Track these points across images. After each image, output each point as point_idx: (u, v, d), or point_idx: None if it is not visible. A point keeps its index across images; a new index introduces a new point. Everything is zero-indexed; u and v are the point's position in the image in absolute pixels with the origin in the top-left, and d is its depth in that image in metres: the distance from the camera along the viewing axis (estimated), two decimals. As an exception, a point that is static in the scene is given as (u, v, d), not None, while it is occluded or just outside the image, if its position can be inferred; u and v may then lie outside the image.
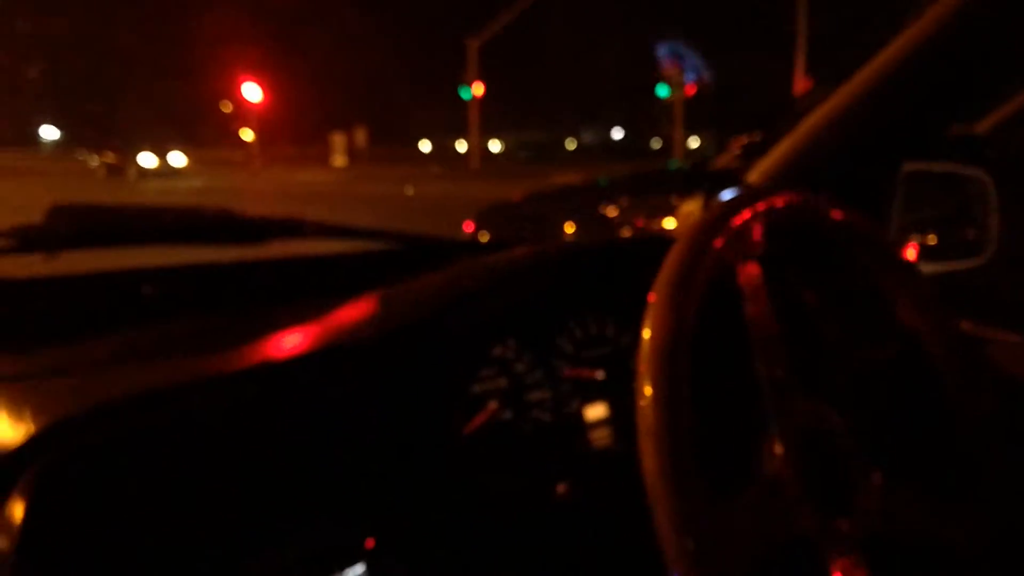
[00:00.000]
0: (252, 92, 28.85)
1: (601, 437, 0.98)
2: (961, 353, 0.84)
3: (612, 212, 3.52)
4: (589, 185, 4.08)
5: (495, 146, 43.53)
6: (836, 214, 0.85)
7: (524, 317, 0.98)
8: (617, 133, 46.32)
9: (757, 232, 0.79)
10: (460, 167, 29.72)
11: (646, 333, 0.69)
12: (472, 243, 1.36)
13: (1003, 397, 0.85)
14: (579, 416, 0.98)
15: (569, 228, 3.50)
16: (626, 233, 3.10)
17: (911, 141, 1.11)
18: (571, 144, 48.65)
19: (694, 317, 0.69)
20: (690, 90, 27.35)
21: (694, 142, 35.31)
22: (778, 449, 0.71)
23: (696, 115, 31.33)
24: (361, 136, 33.41)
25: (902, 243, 1.20)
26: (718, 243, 0.74)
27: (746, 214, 0.77)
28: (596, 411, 1.00)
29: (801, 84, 19.74)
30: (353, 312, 0.98)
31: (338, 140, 31.33)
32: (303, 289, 1.16)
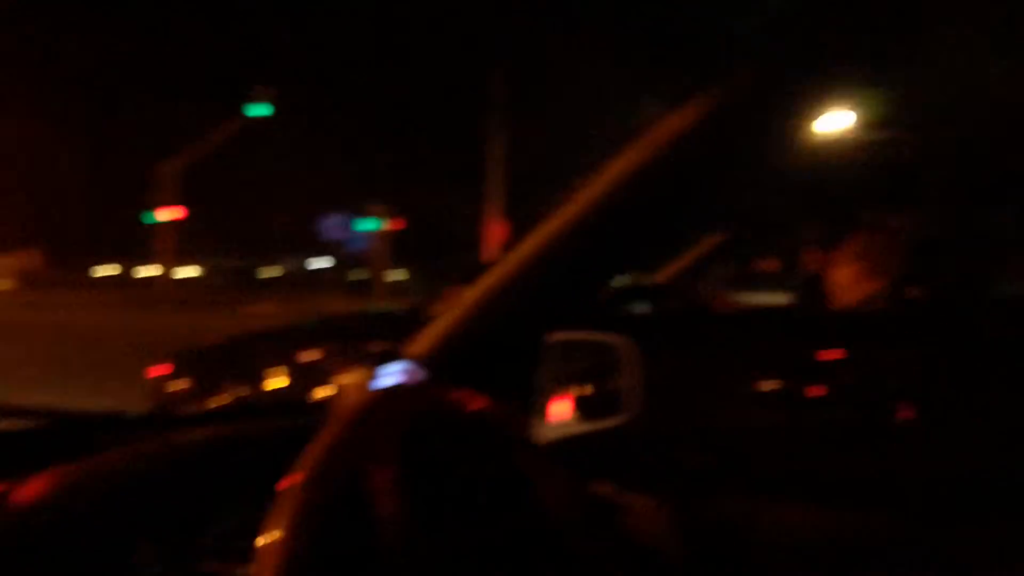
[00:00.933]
0: None
1: None
2: (594, 523, 0.95)
3: (317, 358, 3.45)
4: (293, 328, 3.99)
5: (187, 272, 41.42)
6: (475, 405, 0.92)
7: (160, 515, 0.92)
8: (317, 263, 46.12)
9: (395, 432, 0.82)
10: (149, 293, 27.85)
11: (266, 535, 0.67)
12: (115, 419, 1.27)
13: (637, 561, 0.95)
14: None
15: (272, 378, 3.37)
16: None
17: (556, 313, 1.24)
18: (269, 272, 47.55)
19: (321, 518, 0.69)
20: (396, 225, 28.18)
21: (400, 275, 36.07)
22: None
23: (398, 249, 32.22)
24: (35, 258, 30.35)
25: (556, 395, 1.32)
26: (355, 442, 0.76)
27: (389, 411, 0.82)
28: None
29: (495, 229, 20.83)
30: None
31: (4, 263, 28.18)
32: None
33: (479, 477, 1.06)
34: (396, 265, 34.85)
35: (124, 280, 39.27)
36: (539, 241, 1.13)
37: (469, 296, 1.18)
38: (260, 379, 3.34)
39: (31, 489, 0.89)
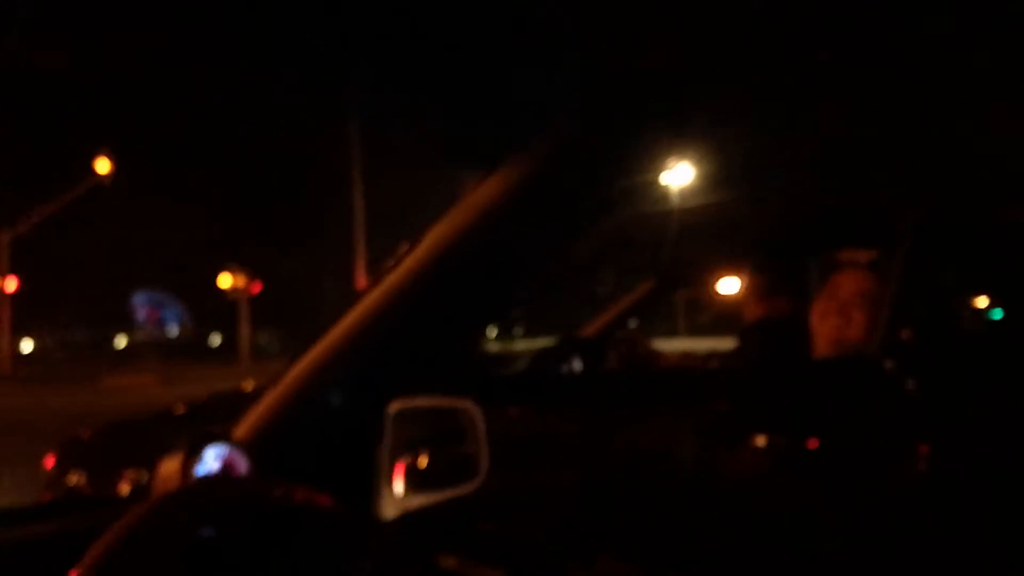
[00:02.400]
0: None
1: None
2: None
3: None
4: (172, 414, 3.70)
5: (28, 345, 38.80)
6: (295, 496, 0.87)
7: None
8: (173, 331, 44.18)
9: (185, 531, 0.77)
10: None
11: None
12: None
13: None
14: None
15: (133, 479, 3.11)
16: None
17: (395, 381, 1.19)
18: (122, 341, 45.18)
19: None
20: (255, 288, 27.40)
21: (263, 338, 35.01)
22: None
23: (260, 312, 31.28)
24: None
25: (391, 469, 1.26)
26: (136, 539, 0.71)
27: (186, 506, 0.75)
28: None
29: (362, 279, 20.74)
30: None
31: None
32: None
33: (305, 570, 0.99)
34: (258, 328, 33.83)
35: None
36: (368, 308, 1.09)
37: (296, 369, 1.12)
38: (150, 464, 3.06)
39: None
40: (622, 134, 0.98)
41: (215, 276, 27.20)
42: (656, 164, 1.19)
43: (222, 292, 26.92)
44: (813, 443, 1.80)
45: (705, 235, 3.04)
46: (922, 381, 1.91)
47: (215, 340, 39.18)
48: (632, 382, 2.63)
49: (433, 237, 1.01)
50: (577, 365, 3.34)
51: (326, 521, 0.88)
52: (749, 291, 2.93)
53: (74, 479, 3.19)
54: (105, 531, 0.69)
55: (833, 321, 2.26)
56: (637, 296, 3.83)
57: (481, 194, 0.98)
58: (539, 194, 1.00)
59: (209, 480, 0.86)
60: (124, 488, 2.99)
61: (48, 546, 0.97)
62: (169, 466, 1.12)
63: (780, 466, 1.79)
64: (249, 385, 4.58)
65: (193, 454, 1.09)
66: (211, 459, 1.08)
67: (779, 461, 1.80)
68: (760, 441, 1.84)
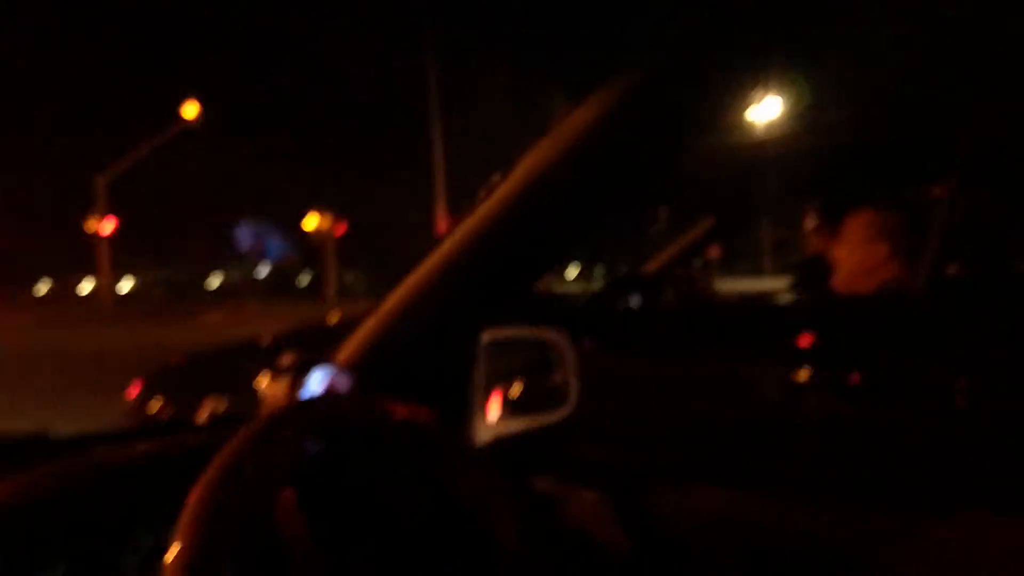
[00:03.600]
0: None
1: None
2: (527, 522, 0.94)
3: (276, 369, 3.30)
4: (254, 341, 3.84)
5: (127, 285, 40.61)
6: (403, 413, 0.91)
7: (80, 537, 0.90)
8: (263, 270, 45.56)
9: (305, 442, 0.80)
10: (89, 309, 27.20)
11: (172, 548, 0.66)
12: (37, 441, 1.24)
13: (575, 555, 0.94)
14: None
15: (239, 391, 3.26)
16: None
17: (487, 310, 1.23)
18: (214, 281, 46.88)
19: (231, 533, 0.68)
20: (340, 229, 27.98)
21: (348, 277, 35.82)
22: None
23: (346, 251, 31.97)
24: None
25: (485, 397, 1.30)
26: (259, 453, 0.74)
27: (303, 421, 0.80)
28: None
29: (443, 221, 20.93)
30: None
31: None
32: None
33: (406, 486, 1.05)
34: (344, 268, 34.58)
35: (65, 296, 38.33)
36: (463, 238, 1.12)
37: (394, 298, 1.16)
38: (232, 392, 3.23)
39: None
40: (710, 65, 0.98)
41: (302, 217, 27.84)
42: (744, 97, 1.18)
43: (309, 233, 27.56)
44: (856, 377, 1.81)
45: (768, 170, 2.98)
46: (966, 316, 1.90)
47: (303, 280, 40.23)
48: (686, 319, 2.61)
49: (526, 167, 1.03)
50: (635, 302, 3.34)
51: (428, 438, 0.92)
52: (808, 226, 2.90)
53: (156, 406, 3.38)
54: (198, 451, 0.72)
55: (866, 257, 2.27)
56: (697, 234, 3.76)
57: (573, 124, 0.99)
58: (626, 125, 1.00)
59: (315, 399, 0.91)
60: (203, 416, 3.13)
61: (141, 466, 1.04)
62: (276, 387, 1.18)
63: (827, 398, 1.81)
64: (333, 318, 4.73)
65: (299, 376, 1.16)
66: (316, 381, 1.14)
67: (825, 393, 1.82)
68: (805, 375, 1.85)
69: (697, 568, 1.19)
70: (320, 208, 27.32)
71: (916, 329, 1.88)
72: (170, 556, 0.66)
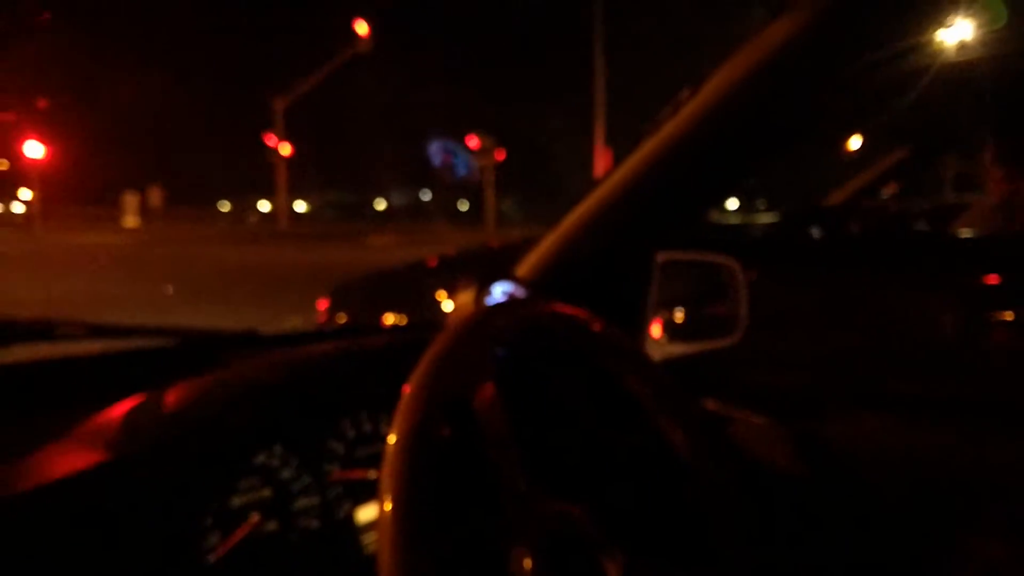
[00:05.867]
0: (33, 149, 26.78)
1: (374, 540, 0.95)
2: (701, 437, 0.96)
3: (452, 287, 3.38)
4: (426, 262, 4.00)
5: (300, 206, 42.80)
6: (590, 325, 0.94)
7: (292, 420, 0.97)
8: (425, 195, 46.80)
9: (501, 343, 0.85)
10: (267, 228, 28.95)
11: (390, 436, 0.71)
12: (248, 337, 1.35)
13: (745, 475, 0.96)
14: (350, 520, 0.97)
15: (422, 307, 3.41)
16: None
17: (665, 231, 1.23)
18: (380, 204, 48.61)
19: (441, 421, 0.73)
20: (499, 155, 28.24)
21: (505, 205, 36.23)
22: (526, 562, 0.74)
23: (503, 179, 32.30)
24: (156, 195, 31.82)
25: (656, 315, 1.32)
26: (461, 352, 0.79)
27: (496, 324, 0.84)
28: (368, 513, 0.98)
29: (601, 155, 20.66)
30: (94, 427, 0.92)
31: (130, 200, 29.60)
32: (56, 396, 1.04)
33: (590, 392, 1.09)
34: (502, 195, 35.00)
35: (245, 215, 40.85)
36: (642, 159, 1.12)
37: (574, 216, 1.19)
38: (407, 308, 3.41)
39: (174, 395, 0.97)
40: None
41: (462, 144, 28.24)
42: (935, 18, 1.12)
43: (471, 156, 27.95)
44: None
45: (953, 98, 2.76)
46: None
47: (463, 206, 41.07)
48: (874, 250, 2.50)
49: (715, 84, 1.01)
50: (816, 233, 3.21)
51: (609, 343, 0.96)
52: (987, 160, 2.67)
53: (342, 319, 3.60)
54: (389, 350, 0.77)
55: None
56: (888, 163, 3.55)
57: (761, 43, 0.97)
58: (816, 45, 0.97)
59: (505, 304, 0.96)
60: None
61: (347, 358, 1.12)
62: (463, 298, 1.26)
63: (1008, 335, 1.72)
64: (494, 242, 4.82)
65: (484, 287, 1.22)
66: (498, 293, 1.20)
67: (1005, 330, 1.73)
68: (986, 311, 1.77)
69: (864, 496, 1.18)
70: (480, 133, 27.59)
71: None
72: (391, 439, 0.71)
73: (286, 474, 0.94)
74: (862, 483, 1.18)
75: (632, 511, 1.02)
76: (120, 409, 0.95)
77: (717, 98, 1.02)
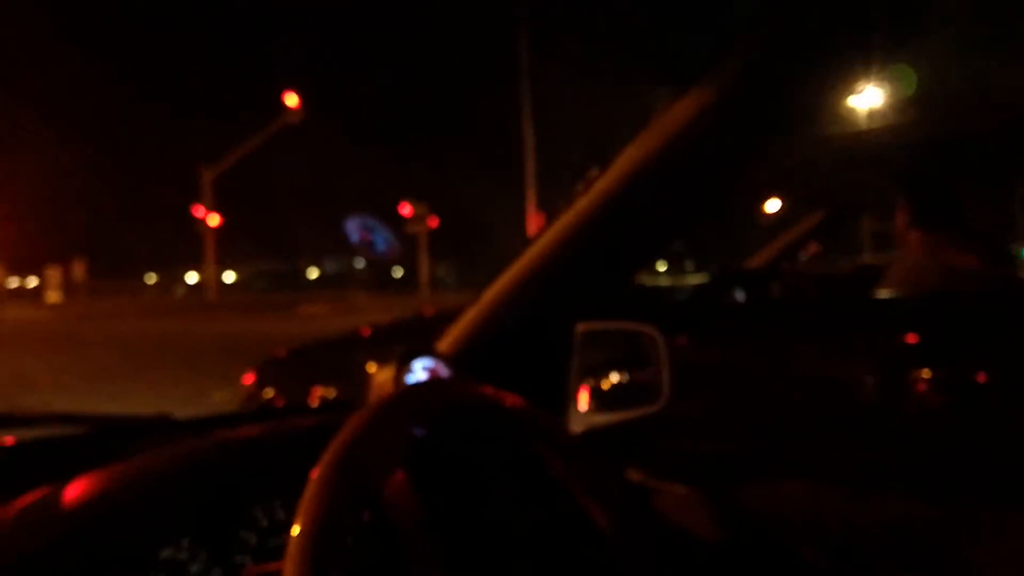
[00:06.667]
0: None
1: None
2: (622, 513, 0.95)
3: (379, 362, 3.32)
4: (357, 333, 3.93)
5: (229, 277, 42.18)
6: (508, 404, 0.92)
7: (201, 511, 0.94)
8: (359, 262, 46.63)
9: (413, 426, 0.83)
10: (194, 299, 28.41)
11: (294, 528, 0.69)
12: (161, 422, 1.31)
13: (667, 545, 0.94)
14: None
15: (348, 381, 3.34)
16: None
17: (583, 302, 1.24)
18: (312, 272, 48.24)
19: (349, 510, 0.71)
20: (432, 222, 28.43)
21: (440, 270, 36.36)
22: None
23: (437, 245, 32.43)
24: (80, 269, 31.07)
25: (576, 389, 1.31)
26: (372, 436, 0.77)
27: (411, 406, 0.82)
28: None
29: (534, 219, 20.95)
30: None
31: (52, 275, 28.91)
32: None
33: (510, 470, 1.07)
34: (437, 260, 35.08)
35: (172, 287, 40.07)
36: (556, 235, 1.13)
37: (494, 290, 1.19)
38: (338, 382, 3.32)
39: (76, 489, 0.92)
40: (809, 55, 0.97)
41: (395, 211, 28.38)
42: (844, 86, 1.16)
43: (402, 226, 28.06)
44: (975, 375, 1.77)
45: (866, 162, 2.90)
46: None
47: (397, 272, 41.02)
48: (794, 312, 2.56)
49: (625, 160, 1.03)
50: (740, 296, 3.27)
51: (527, 422, 0.94)
52: (900, 221, 2.79)
53: (269, 394, 3.50)
54: (311, 433, 0.75)
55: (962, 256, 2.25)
56: (806, 226, 3.67)
57: (672, 117, 0.99)
58: (726, 118, 1.00)
59: (421, 385, 0.94)
60: (313, 403, 3.23)
61: (259, 446, 1.09)
62: (383, 375, 1.23)
63: (945, 397, 1.76)
64: (428, 311, 4.80)
65: (404, 365, 1.20)
66: (419, 369, 1.18)
67: (944, 392, 1.77)
68: (908, 372, 1.81)
69: (786, 562, 1.18)
70: (413, 202, 27.77)
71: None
72: (295, 531, 0.68)
73: (195, 568, 0.90)
74: (782, 548, 1.18)
75: None
76: (16, 506, 0.90)
77: (623, 175, 1.04)
